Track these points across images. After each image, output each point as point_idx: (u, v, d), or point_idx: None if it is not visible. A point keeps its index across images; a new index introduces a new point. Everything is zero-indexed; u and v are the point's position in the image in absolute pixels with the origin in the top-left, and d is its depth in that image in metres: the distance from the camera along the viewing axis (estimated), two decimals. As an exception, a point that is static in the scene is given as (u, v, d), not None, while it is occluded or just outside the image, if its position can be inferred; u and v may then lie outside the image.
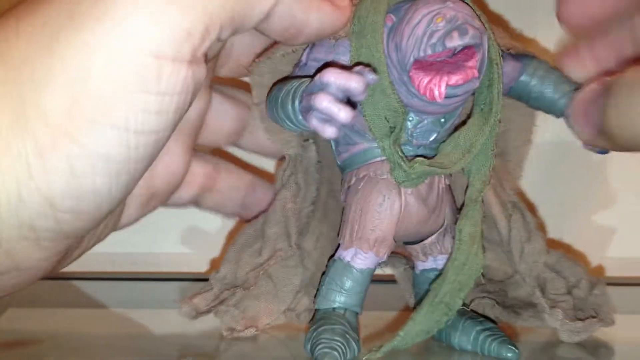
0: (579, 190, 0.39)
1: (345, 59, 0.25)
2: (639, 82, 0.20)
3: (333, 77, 0.22)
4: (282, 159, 0.29)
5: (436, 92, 0.23)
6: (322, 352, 0.24)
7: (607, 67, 0.26)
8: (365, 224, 0.26)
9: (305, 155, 0.28)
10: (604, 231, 0.38)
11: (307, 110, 0.23)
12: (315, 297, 0.27)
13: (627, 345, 0.29)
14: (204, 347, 0.28)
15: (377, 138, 0.25)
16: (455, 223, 0.26)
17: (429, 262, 0.28)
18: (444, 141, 0.26)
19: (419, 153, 0.26)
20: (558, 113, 0.28)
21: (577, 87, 0.27)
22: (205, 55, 0.21)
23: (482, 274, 0.27)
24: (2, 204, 0.19)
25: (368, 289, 0.27)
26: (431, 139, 0.26)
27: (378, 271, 0.27)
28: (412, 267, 0.29)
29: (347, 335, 0.25)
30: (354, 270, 0.26)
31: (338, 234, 0.27)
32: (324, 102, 0.22)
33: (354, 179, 0.27)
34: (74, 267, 0.26)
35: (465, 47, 0.23)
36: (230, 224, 0.38)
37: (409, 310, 0.29)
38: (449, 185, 0.28)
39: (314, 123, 0.22)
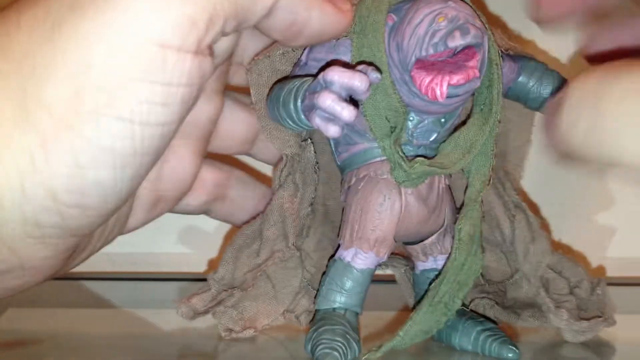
0: (579, 190, 0.39)
1: (346, 59, 0.25)
2: (583, 98, 0.19)
3: (337, 76, 0.22)
4: (279, 159, 0.28)
5: (438, 92, 0.23)
6: (323, 353, 0.24)
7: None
8: (365, 224, 0.26)
9: (303, 155, 0.28)
10: (604, 231, 0.38)
11: (310, 109, 0.23)
12: (315, 297, 0.27)
13: (628, 345, 0.29)
14: (203, 347, 0.28)
15: (377, 138, 0.25)
16: (455, 223, 0.26)
17: (429, 262, 0.28)
18: (444, 141, 0.26)
19: (419, 153, 0.26)
20: None
21: None
22: (211, 49, 0.21)
23: (481, 275, 0.27)
24: (5, 198, 0.19)
25: (368, 289, 0.27)
26: (431, 138, 0.26)
27: (378, 271, 0.27)
28: (412, 268, 0.29)
29: (348, 336, 0.25)
30: (354, 270, 0.26)
31: (338, 235, 0.27)
32: (328, 101, 0.22)
33: (354, 179, 0.27)
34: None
35: (466, 47, 0.23)
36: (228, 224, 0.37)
37: (408, 310, 0.29)
38: (449, 185, 0.28)
39: (317, 122, 0.22)
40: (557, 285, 0.28)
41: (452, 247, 0.26)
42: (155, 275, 0.37)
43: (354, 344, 0.25)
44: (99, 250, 0.25)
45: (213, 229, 0.38)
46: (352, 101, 0.22)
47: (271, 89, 0.26)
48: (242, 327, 0.27)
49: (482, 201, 0.27)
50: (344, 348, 0.24)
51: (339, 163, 0.28)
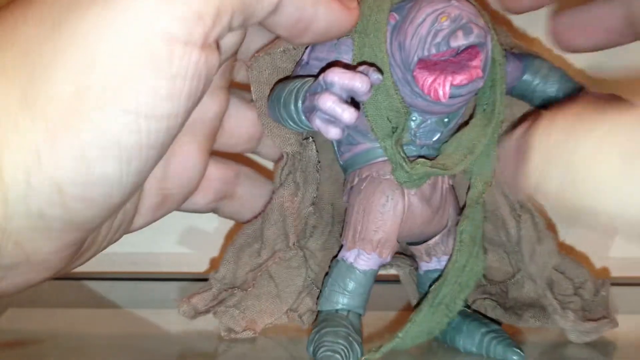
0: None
1: (347, 58, 0.25)
2: (550, 143, 0.18)
3: (337, 77, 0.22)
4: (280, 157, 0.28)
5: (440, 92, 0.23)
6: (325, 355, 0.23)
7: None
8: (368, 224, 0.26)
9: (304, 154, 0.27)
10: (606, 231, 0.38)
11: (311, 110, 0.23)
12: (318, 298, 0.27)
13: (633, 345, 0.29)
14: (204, 347, 0.28)
15: (379, 138, 0.25)
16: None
17: (433, 262, 0.28)
18: (446, 141, 0.26)
19: (422, 153, 0.26)
20: None
21: (581, 86, 0.27)
22: (218, 43, 0.21)
23: (483, 275, 0.26)
24: (10, 189, 0.19)
25: (371, 290, 0.26)
26: (434, 139, 0.26)
27: (382, 271, 0.27)
28: (417, 268, 0.29)
29: (350, 338, 0.24)
30: (357, 271, 0.26)
31: (341, 235, 0.27)
32: (328, 103, 0.21)
33: (356, 180, 0.26)
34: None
35: (469, 47, 0.23)
36: (229, 223, 0.37)
37: (409, 310, 0.29)
38: (453, 185, 0.27)
39: (318, 124, 0.22)
40: (562, 286, 0.28)
41: (453, 249, 0.26)
42: (155, 275, 0.37)
43: (356, 346, 0.24)
44: (104, 248, 0.25)
45: (214, 229, 0.38)
46: (353, 102, 0.22)
47: (272, 89, 0.26)
48: (243, 327, 0.27)
49: (484, 202, 0.27)
50: (345, 350, 0.24)
51: (341, 163, 0.28)
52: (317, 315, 0.26)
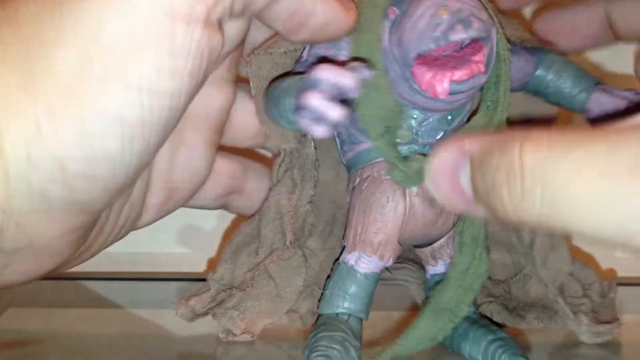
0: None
1: (345, 54, 0.24)
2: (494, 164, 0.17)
3: (324, 74, 0.21)
4: (277, 154, 0.28)
5: (439, 89, 0.22)
6: None
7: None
8: (368, 226, 0.25)
9: (302, 151, 0.27)
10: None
11: (300, 108, 0.22)
12: (319, 300, 0.26)
13: (637, 346, 0.28)
14: (204, 347, 0.28)
15: (372, 137, 0.24)
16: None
17: (439, 266, 0.27)
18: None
19: (426, 152, 0.25)
20: (577, 108, 0.27)
21: (597, 81, 0.27)
22: (220, 24, 0.21)
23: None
24: (11, 168, 0.19)
25: (374, 294, 0.26)
26: (438, 137, 0.25)
27: (388, 277, 0.27)
28: (424, 271, 0.28)
29: (347, 343, 0.24)
30: (358, 274, 0.25)
31: (343, 237, 0.26)
32: (314, 100, 0.21)
33: (357, 180, 0.26)
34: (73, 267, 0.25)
35: (473, 41, 0.22)
36: (227, 222, 0.37)
37: (413, 311, 0.29)
38: None
39: (305, 122, 0.21)
40: (572, 288, 0.27)
41: (454, 251, 0.25)
42: (155, 275, 0.37)
43: (353, 351, 0.24)
44: (111, 243, 0.25)
45: (213, 229, 0.37)
46: (346, 100, 0.22)
47: (269, 86, 0.26)
48: (242, 329, 0.27)
49: None
50: (339, 356, 0.23)
51: (344, 162, 0.27)
52: (317, 319, 0.26)
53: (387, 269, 0.27)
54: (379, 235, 0.25)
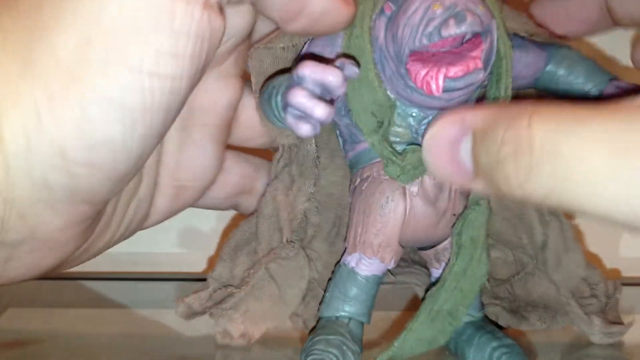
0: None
1: (339, 51, 0.24)
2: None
3: (308, 71, 0.21)
4: (276, 149, 0.27)
5: (433, 86, 0.21)
6: None
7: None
8: (368, 227, 0.25)
9: (302, 147, 0.26)
10: (616, 231, 0.38)
11: (286, 105, 0.22)
12: (320, 303, 0.26)
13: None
14: (204, 347, 0.28)
15: (364, 134, 0.24)
16: None
17: (442, 269, 0.26)
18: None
19: None
20: None
21: (613, 77, 0.26)
22: (221, 7, 0.20)
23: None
24: (11, 156, 0.18)
25: (376, 297, 0.25)
26: (438, 137, 0.25)
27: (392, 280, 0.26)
28: (429, 275, 0.27)
29: (344, 347, 0.23)
30: (359, 277, 0.25)
31: (345, 238, 0.26)
32: (297, 97, 0.20)
33: (358, 180, 0.26)
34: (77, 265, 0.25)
35: (473, 37, 0.22)
36: (227, 222, 0.37)
37: (413, 311, 0.29)
38: None
39: (289, 120, 0.21)
40: (579, 288, 0.27)
41: (451, 253, 0.25)
42: (155, 275, 0.37)
43: (351, 355, 0.23)
44: (117, 242, 0.25)
45: (213, 229, 0.37)
46: (334, 99, 0.21)
47: (263, 84, 0.25)
48: (242, 331, 0.26)
49: (489, 203, 0.25)
50: None
51: (347, 162, 0.27)
52: (317, 322, 0.26)
53: (391, 272, 0.26)
54: (379, 236, 0.24)
